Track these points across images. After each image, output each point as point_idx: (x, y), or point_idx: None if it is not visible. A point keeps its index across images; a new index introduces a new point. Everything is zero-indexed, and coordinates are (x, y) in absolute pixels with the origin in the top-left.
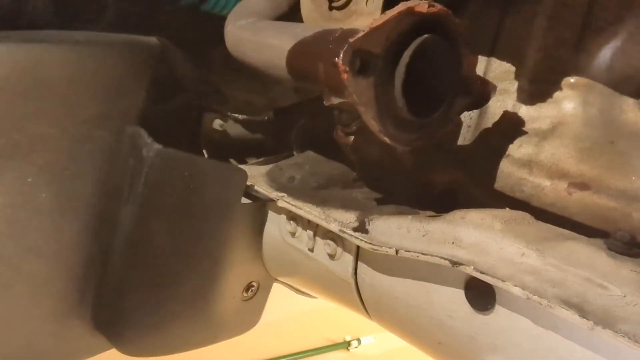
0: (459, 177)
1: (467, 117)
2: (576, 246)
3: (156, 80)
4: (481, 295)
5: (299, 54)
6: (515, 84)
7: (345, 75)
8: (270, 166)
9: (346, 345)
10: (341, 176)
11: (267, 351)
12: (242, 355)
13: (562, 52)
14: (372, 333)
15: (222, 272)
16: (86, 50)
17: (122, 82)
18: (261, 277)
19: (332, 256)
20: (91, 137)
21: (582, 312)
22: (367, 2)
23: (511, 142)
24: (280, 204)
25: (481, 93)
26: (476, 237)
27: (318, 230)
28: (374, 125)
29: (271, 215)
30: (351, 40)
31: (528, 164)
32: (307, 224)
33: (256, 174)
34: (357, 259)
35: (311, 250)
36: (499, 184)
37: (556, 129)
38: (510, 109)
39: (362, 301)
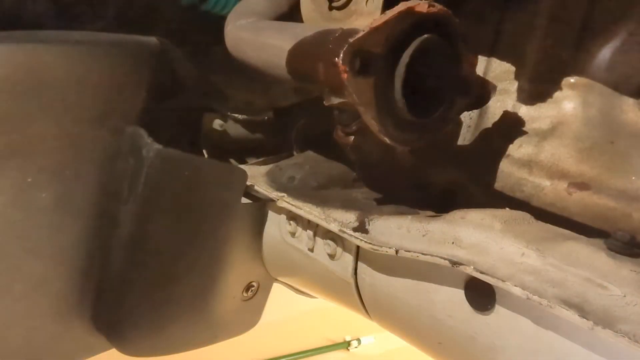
0: (459, 177)
1: (467, 117)
2: (576, 246)
3: (156, 80)
4: (481, 295)
5: (299, 54)
6: (515, 84)
7: (345, 75)
8: (270, 166)
9: (346, 345)
10: (341, 176)
11: (267, 351)
12: (242, 355)
13: (562, 52)
14: (372, 333)
15: (222, 272)
16: (86, 50)
17: (122, 82)
18: (261, 277)
19: (332, 256)
20: (91, 137)
21: (582, 312)
22: (367, 2)
23: (511, 142)
24: (280, 204)
25: (481, 93)
26: (476, 237)
27: (318, 230)
28: (374, 125)
29: (271, 215)
30: (351, 40)
31: (528, 164)
32: (307, 224)
33: (256, 174)
34: (357, 259)
35: (311, 250)
36: (499, 184)
37: (556, 129)
38: (510, 109)
39: (362, 301)
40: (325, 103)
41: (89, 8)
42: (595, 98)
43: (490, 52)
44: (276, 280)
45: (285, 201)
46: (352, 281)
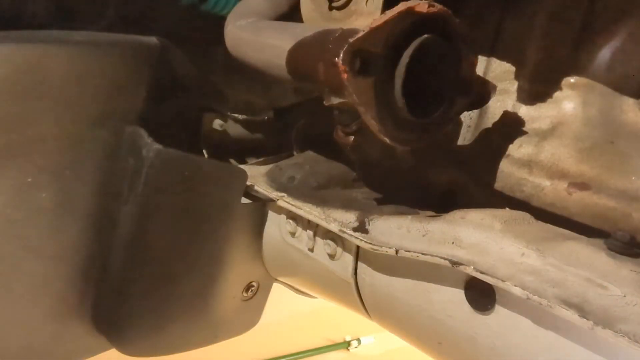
0: (459, 177)
1: (467, 117)
2: (576, 246)
3: (156, 80)
4: (481, 295)
5: (299, 54)
6: (515, 84)
7: (345, 75)
8: (270, 166)
9: (346, 345)
10: (341, 176)
11: (267, 351)
12: (242, 355)
13: (562, 52)
14: (372, 333)
15: (222, 272)
16: (86, 50)
17: (122, 82)
18: (261, 277)
19: (332, 256)
20: (91, 137)
21: (582, 312)
22: (367, 2)
23: (511, 142)
24: (280, 204)
25: (481, 93)
26: (476, 237)
27: (318, 230)
28: (374, 125)
29: (271, 215)
30: (351, 40)
31: (528, 164)
32: (307, 224)
33: (256, 174)
34: (357, 259)
35: (311, 250)
36: (499, 184)
37: (556, 129)
38: (510, 109)
39: (362, 301)
40: (325, 103)
41: (89, 8)
42: (595, 98)
43: (490, 52)
44: (276, 280)
45: (285, 201)
46: (352, 281)
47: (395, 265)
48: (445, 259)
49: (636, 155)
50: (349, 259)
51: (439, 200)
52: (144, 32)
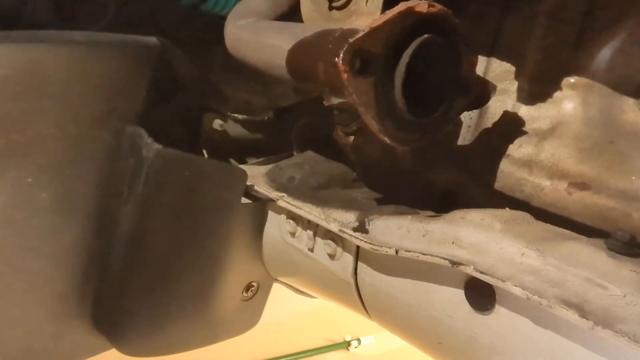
0: (459, 177)
1: (467, 117)
2: (576, 246)
3: (156, 80)
4: (481, 295)
5: (299, 54)
6: (515, 84)
7: (345, 75)
8: (270, 166)
9: (346, 345)
10: (341, 176)
11: (267, 351)
12: (242, 355)
13: (562, 52)
14: (372, 333)
15: (222, 272)
16: (86, 50)
17: (122, 82)
18: (261, 277)
19: (332, 256)
20: (91, 137)
21: (582, 312)
22: (367, 2)
23: (511, 142)
24: (280, 204)
25: (481, 93)
26: (476, 237)
27: (318, 230)
28: (374, 125)
29: (271, 215)
30: (351, 40)
31: (528, 164)
32: (307, 224)
33: (256, 174)
34: (357, 259)
35: (311, 250)
36: (499, 184)
37: (556, 129)
38: (510, 109)
39: (362, 301)
40: (325, 103)
41: (89, 8)
42: (595, 98)
43: (490, 52)
44: (276, 280)
45: (285, 201)
46: (352, 281)
47: (395, 265)
48: (445, 259)
49: (636, 155)
50: (349, 259)
51: (439, 200)
52: (144, 32)
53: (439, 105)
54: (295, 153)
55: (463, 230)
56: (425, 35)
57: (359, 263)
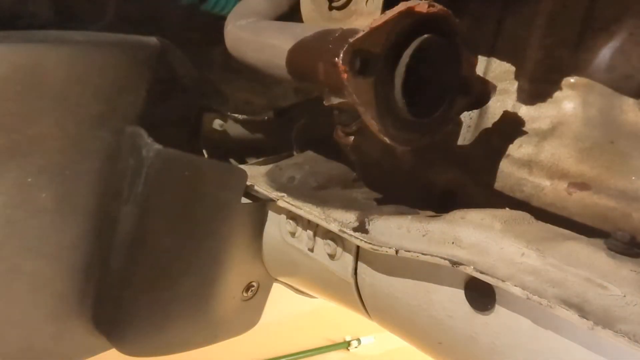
0: (459, 177)
1: (467, 117)
2: (576, 246)
3: (156, 80)
4: (481, 295)
5: (299, 54)
6: (515, 84)
7: (345, 75)
8: (270, 166)
9: (346, 345)
10: (341, 176)
11: (267, 351)
12: (242, 355)
13: (562, 52)
14: (372, 333)
15: (222, 272)
16: (86, 50)
17: (122, 82)
18: (261, 277)
19: (332, 256)
20: (91, 137)
21: (582, 312)
22: (367, 2)
23: (511, 142)
24: (280, 204)
25: (481, 93)
26: (476, 237)
27: (318, 230)
28: (374, 125)
29: (271, 215)
30: (351, 40)
31: (528, 164)
32: (307, 224)
33: (256, 174)
34: (357, 259)
35: (311, 250)
36: (499, 184)
37: (556, 129)
38: (510, 109)
39: (362, 301)
40: (325, 103)
41: (89, 8)
42: (595, 98)
43: (490, 52)
44: (276, 280)
45: (285, 201)
46: (352, 281)
47: (395, 265)
48: (445, 259)
49: (636, 155)
50: (349, 259)
51: (439, 200)
52: (144, 32)
53: (439, 105)
54: (295, 153)
55: (463, 230)
56: (425, 35)
57: (359, 263)
